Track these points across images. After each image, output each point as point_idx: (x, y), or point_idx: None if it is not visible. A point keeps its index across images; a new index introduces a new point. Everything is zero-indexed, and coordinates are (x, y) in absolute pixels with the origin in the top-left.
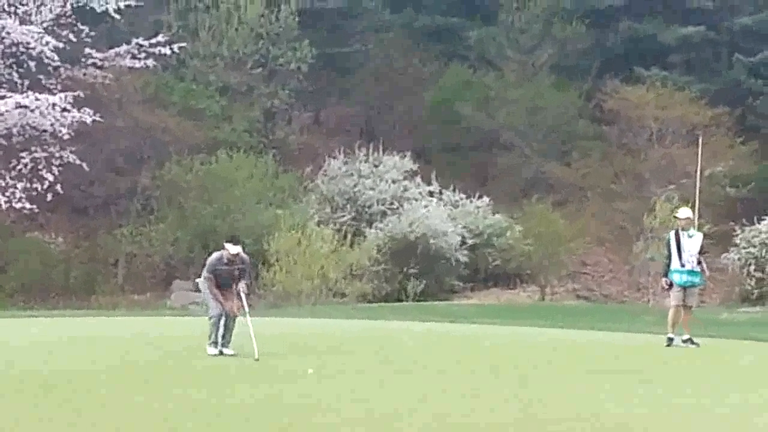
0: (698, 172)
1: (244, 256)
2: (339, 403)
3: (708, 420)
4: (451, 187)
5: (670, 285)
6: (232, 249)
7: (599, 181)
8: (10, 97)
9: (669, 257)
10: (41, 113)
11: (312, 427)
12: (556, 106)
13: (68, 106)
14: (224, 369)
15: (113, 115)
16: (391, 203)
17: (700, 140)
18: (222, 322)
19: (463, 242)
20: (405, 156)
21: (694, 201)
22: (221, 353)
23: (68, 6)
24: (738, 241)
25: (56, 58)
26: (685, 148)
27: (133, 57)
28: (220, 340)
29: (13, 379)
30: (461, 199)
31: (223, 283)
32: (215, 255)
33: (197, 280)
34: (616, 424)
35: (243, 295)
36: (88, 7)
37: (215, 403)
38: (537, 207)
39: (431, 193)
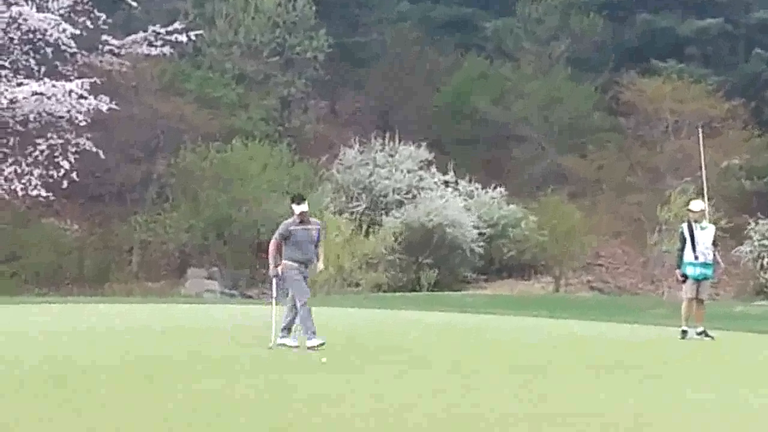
0: (702, 165)
1: (316, 220)
2: (349, 394)
3: (717, 416)
4: (467, 178)
5: (685, 278)
6: (297, 208)
7: (614, 174)
8: (27, 84)
9: (682, 249)
10: (57, 100)
11: (322, 418)
12: (572, 98)
13: (85, 93)
14: (235, 359)
15: (129, 103)
16: (407, 193)
17: (700, 132)
18: (289, 307)
19: (478, 233)
20: (420, 146)
21: (705, 194)
22: (284, 345)
23: None
24: (752, 234)
25: (73, 44)
26: (702, 141)
27: (150, 44)
28: (290, 326)
29: (17, 373)
30: (476, 189)
31: (303, 253)
32: (287, 220)
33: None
34: (625, 418)
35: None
36: None
37: (224, 393)
38: (552, 199)
39: (447, 183)
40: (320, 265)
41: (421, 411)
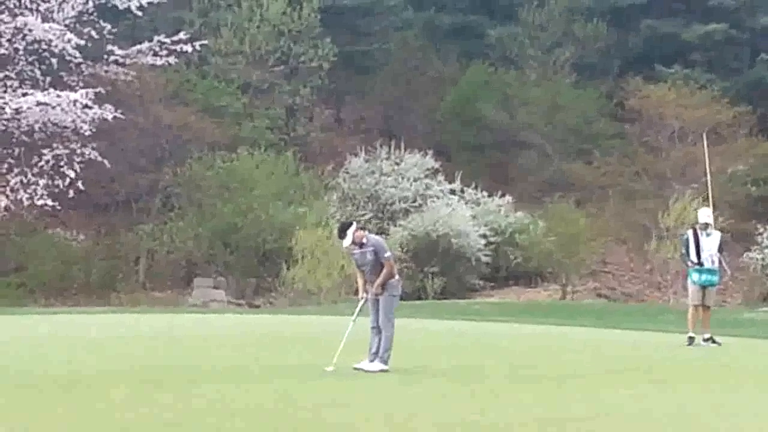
0: (708, 171)
1: (373, 237)
2: (356, 401)
3: (721, 421)
4: (473, 186)
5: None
6: (341, 244)
7: (620, 180)
8: (32, 94)
9: (687, 255)
10: (63, 110)
11: (326, 424)
12: (577, 104)
13: (89, 103)
14: (241, 368)
15: (135, 113)
16: (414, 201)
17: (705, 139)
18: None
19: (485, 242)
20: (426, 154)
21: (710, 199)
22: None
23: (90, 3)
24: (760, 240)
25: (78, 55)
26: (707, 147)
27: (155, 54)
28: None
29: (24, 381)
30: (483, 197)
31: (363, 275)
32: None
33: None
34: (633, 423)
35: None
36: (110, 5)
37: (229, 401)
38: (558, 206)
39: (453, 192)
40: (373, 288)
41: (429, 418)
